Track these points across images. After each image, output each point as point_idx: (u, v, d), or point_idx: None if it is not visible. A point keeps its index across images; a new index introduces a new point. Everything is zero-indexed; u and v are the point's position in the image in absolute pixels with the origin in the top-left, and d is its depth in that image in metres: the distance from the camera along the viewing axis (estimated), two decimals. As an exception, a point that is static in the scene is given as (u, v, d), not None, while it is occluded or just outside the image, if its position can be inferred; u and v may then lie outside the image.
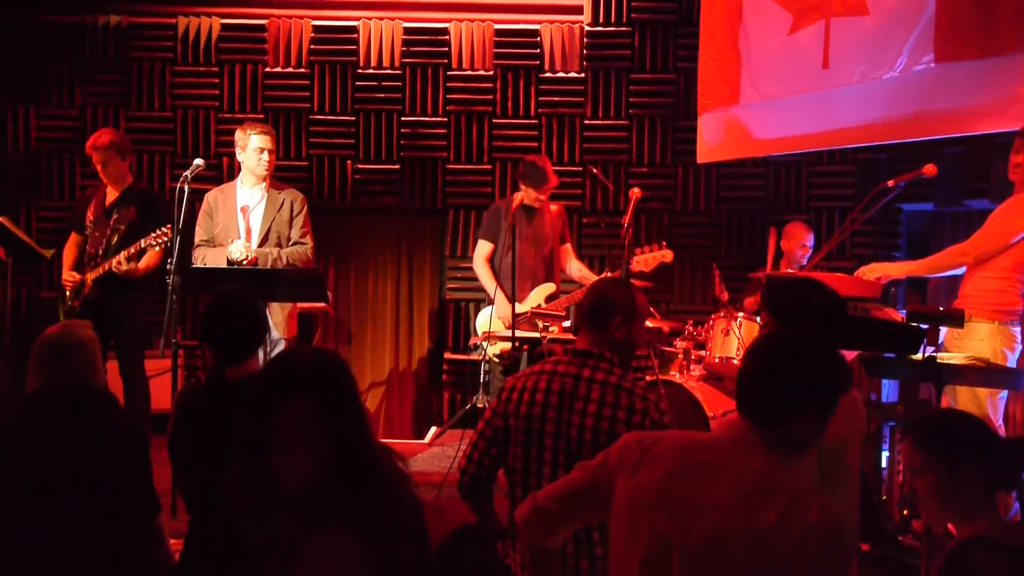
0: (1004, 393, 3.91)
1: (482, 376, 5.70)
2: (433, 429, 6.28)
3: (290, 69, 6.65)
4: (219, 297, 2.94)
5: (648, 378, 4.77)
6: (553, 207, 5.56)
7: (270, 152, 4.89)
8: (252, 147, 4.86)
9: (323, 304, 5.61)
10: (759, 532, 1.71)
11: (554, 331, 5.12)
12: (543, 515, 2.02)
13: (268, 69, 6.65)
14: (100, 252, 4.99)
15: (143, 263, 4.97)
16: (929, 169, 4.07)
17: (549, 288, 5.43)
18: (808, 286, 2.75)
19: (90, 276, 4.98)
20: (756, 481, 1.77)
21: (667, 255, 5.16)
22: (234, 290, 2.99)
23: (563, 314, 5.23)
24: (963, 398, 3.78)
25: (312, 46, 6.65)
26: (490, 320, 5.37)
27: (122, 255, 4.84)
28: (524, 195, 5.30)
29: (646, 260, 5.10)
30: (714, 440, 1.89)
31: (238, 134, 4.93)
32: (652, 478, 1.83)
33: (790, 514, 1.72)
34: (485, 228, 5.60)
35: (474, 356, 5.75)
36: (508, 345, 5.32)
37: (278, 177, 5.18)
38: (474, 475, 2.76)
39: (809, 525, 1.72)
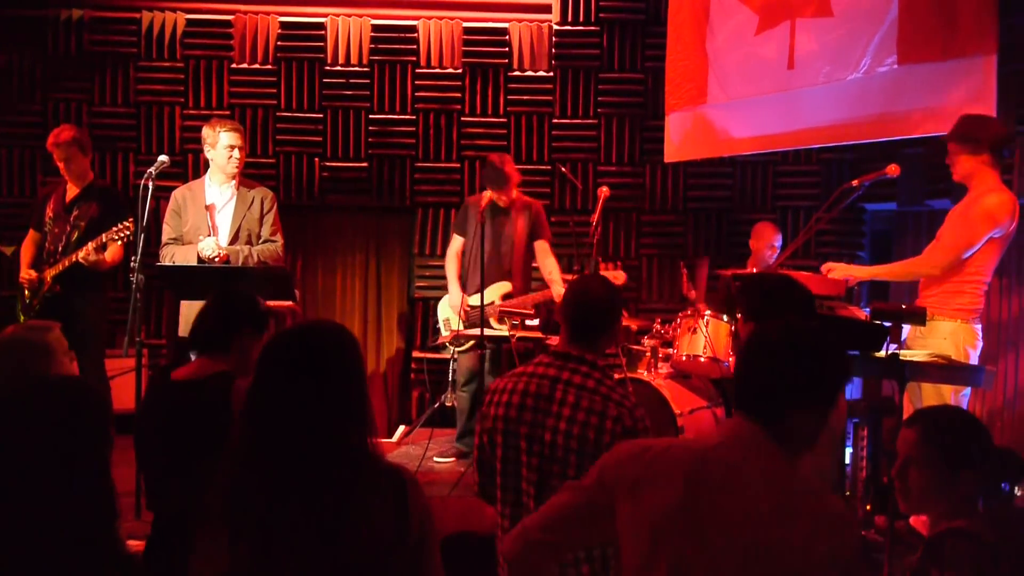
0: (967, 391, 3.97)
1: (451, 375, 5.70)
2: (402, 428, 6.26)
3: (256, 65, 6.59)
4: (217, 296, 2.94)
5: (616, 376, 4.79)
6: (530, 204, 5.55)
7: (240, 149, 4.85)
8: (222, 144, 4.80)
9: (291, 302, 5.57)
10: (795, 543, 1.67)
11: (517, 325, 5.15)
12: (536, 548, 1.90)
13: (234, 65, 6.58)
14: (60, 249, 4.92)
15: (108, 256, 4.90)
16: (892, 169, 4.13)
17: (505, 287, 5.43)
18: (779, 283, 2.77)
19: (50, 273, 4.90)
20: (775, 495, 1.72)
21: (620, 276, 5.17)
22: (234, 291, 3.00)
23: (530, 312, 5.24)
24: (928, 395, 3.83)
25: (279, 42, 6.59)
26: (448, 307, 5.51)
27: (90, 245, 4.76)
28: (492, 196, 5.33)
29: None
30: (720, 449, 1.79)
31: (206, 131, 4.87)
32: (665, 499, 1.75)
33: (815, 526, 1.69)
34: (457, 223, 5.67)
35: (443, 355, 5.76)
36: (458, 329, 5.44)
37: (245, 174, 5.13)
38: (481, 483, 2.73)
39: (835, 533, 1.70)
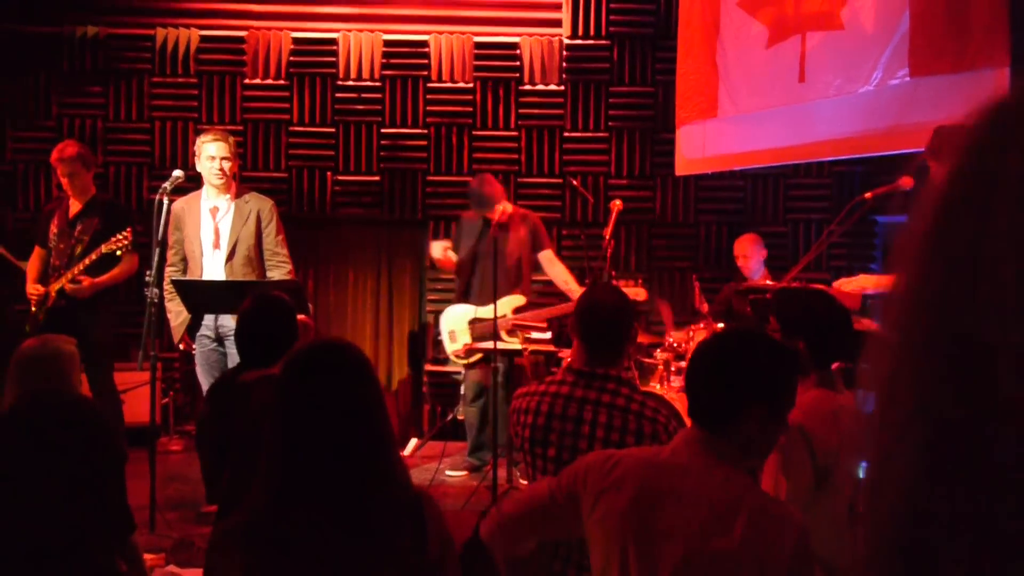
0: None
1: (461, 388, 5.70)
2: (413, 441, 6.26)
3: (269, 81, 6.64)
4: (252, 304, 3.05)
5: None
6: (526, 215, 5.56)
7: (223, 159, 4.76)
8: (205, 155, 4.77)
9: (303, 316, 5.59)
10: (726, 554, 1.72)
11: (529, 339, 5.14)
12: (506, 531, 2.04)
13: (247, 81, 6.63)
14: (64, 263, 4.96)
15: (109, 274, 4.93)
16: (905, 182, 4.10)
17: (517, 300, 5.42)
18: (817, 298, 2.76)
19: (54, 287, 4.94)
20: (717, 500, 1.77)
21: (641, 293, 5.18)
22: (269, 298, 3.09)
23: (542, 324, 5.24)
24: None
25: (292, 58, 6.64)
26: (455, 320, 5.51)
27: (76, 268, 4.80)
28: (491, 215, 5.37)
29: None
30: (672, 459, 1.86)
31: (196, 145, 4.87)
32: (616, 508, 1.83)
33: (753, 529, 1.73)
34: (453, 240, 5.71)
35: (453, 368, 5.76)
36: (466, 343, 5.46)
37: (258, 189, 5.13)
38: None
39: (774, 536, 1.74)
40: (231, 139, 4.88)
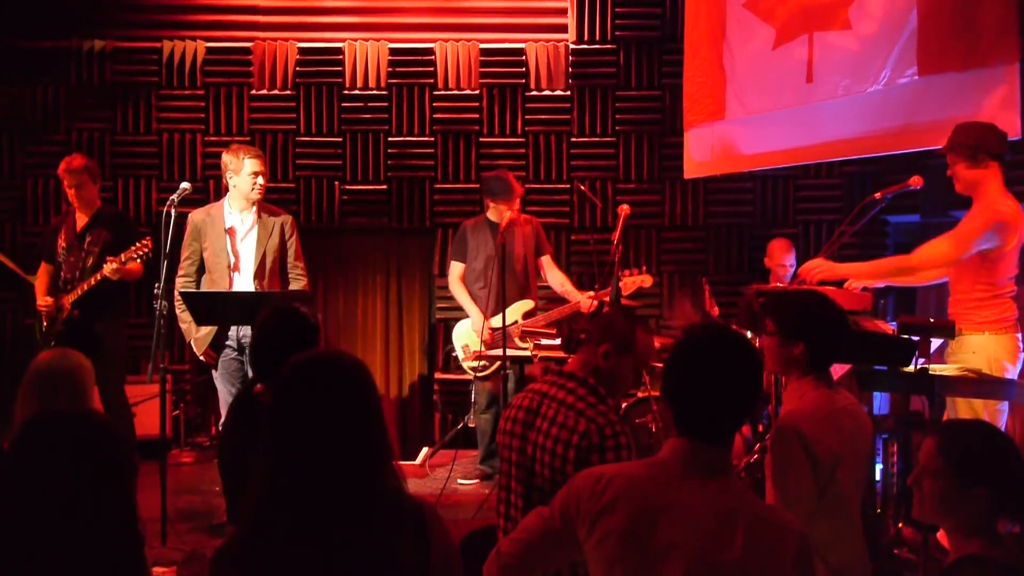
0: (1004, 405, 3.77)
1: (472, 396, 5.68)
2: (425, 450, 6.24)
3: (276, 91, 6.65)
4: (268, 318, 3.00)
5: (640, 394, 4.76)
6: (530, 219, 5.57)
7: (263, 175, 4.82)
8: (247, 171, 4.76)
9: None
10: (729, 566, 1.72)
11: (538, 345, 5.12)
12: (510, 572, 2.00)
13: (254, 92, 6.64)
14: (76, 276, 4.96)
15: (130, 266, 4.92)
16: (915, 181, 4.08)
17: (526, 305, 5.40)
18: (814, 300, 2.74)
19: (67, 299, 4.93)
20: (715, 513, 1.77)
21: (647, 280, 5.18)
22: (285, 312, 3.05)
23: (551, 331, 5.22)
24: (962, 409, 3.69)
25: (298, 68, 6.65)
26: (468, 334, 5.45)
27: (115, 261, 4.76)
28: (494, 211, 5.33)
29: (625, 284, 5.10)
30: (664, 474, 1.84)
31: (229, 158, 4.82)
32: (613, 530, 1.81)
33: (754, 539, 1.74)
34: (455, 249, 5.61)
35: (464, 376, 5.73)
36: (481, 350, 5.40)
37: (266, 200, 5.13)
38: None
39: (775, 544, 1.75)
40: (263, 154, 4.96)
